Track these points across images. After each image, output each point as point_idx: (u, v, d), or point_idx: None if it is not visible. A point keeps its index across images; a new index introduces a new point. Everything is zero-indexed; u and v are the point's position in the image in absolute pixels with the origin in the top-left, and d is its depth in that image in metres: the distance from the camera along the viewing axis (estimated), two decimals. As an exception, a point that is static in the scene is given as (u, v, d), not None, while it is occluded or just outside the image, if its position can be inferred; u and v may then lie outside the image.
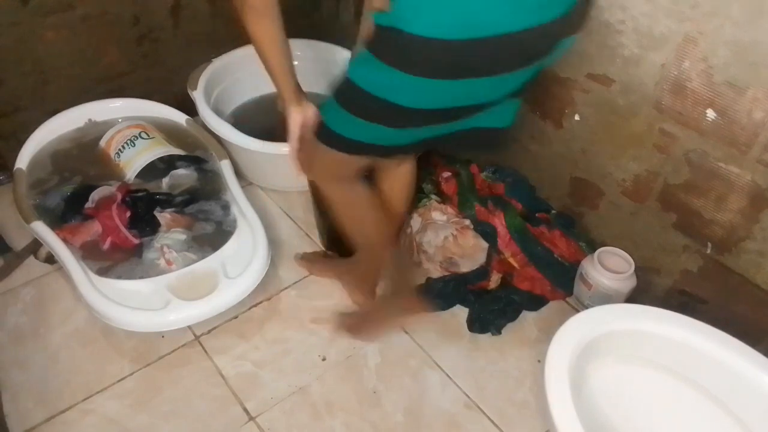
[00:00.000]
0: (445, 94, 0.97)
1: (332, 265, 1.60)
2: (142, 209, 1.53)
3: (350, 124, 1.06)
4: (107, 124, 1.73)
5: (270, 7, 1.06)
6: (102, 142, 1.69)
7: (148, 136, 1.67)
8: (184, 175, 1.66)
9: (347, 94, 1.04)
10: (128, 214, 1.51)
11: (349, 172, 1.22)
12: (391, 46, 0.92)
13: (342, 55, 1.93)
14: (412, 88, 0.95)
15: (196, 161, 1.69)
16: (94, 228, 1.48)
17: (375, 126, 1.04)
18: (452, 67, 0.92)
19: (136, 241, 1.48)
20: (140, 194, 1.57)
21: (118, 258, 1.46)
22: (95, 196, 1.55)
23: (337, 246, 1.66)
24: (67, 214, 1.52)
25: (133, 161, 1.63)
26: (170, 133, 1.75)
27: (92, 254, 1.45)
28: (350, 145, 1.10)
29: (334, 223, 1.62)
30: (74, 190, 1.58)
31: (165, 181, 1.65)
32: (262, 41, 1.11)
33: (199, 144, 1.73)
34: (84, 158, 1.68)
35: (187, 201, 1.59)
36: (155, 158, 1.63)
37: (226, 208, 1.59)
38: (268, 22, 1.08)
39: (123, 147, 1.64)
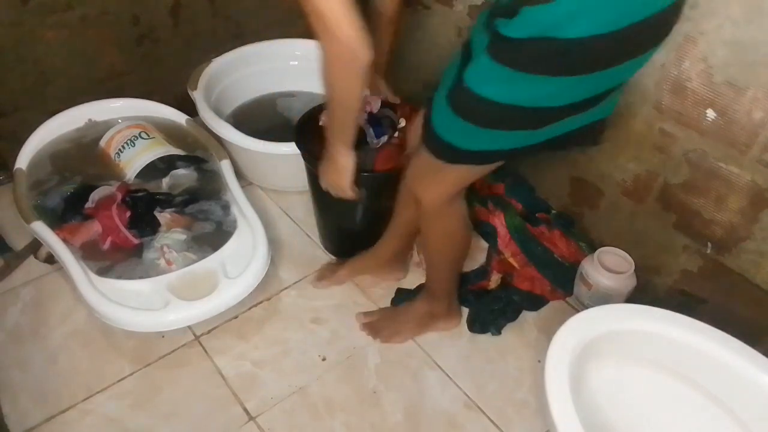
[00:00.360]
0: (599, 82, 0.99)
1: (357, 263, 1.57)
2: (142, 209, 1.52)
3: (490, 137, 1.05)
4: (107, 124, 1.73)
5: (370, 65, 1.03)
6: (102, 142, 1.69)
7: (148, 136, 1.67)
8: (184, 175, 1.66)
9: (490, 116, 1.01)
10: (128, 214, 1.50)
11: (467, 184, 1.23)
12: (545, 55, 0.92)
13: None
14: (568, 88, 0.97)
15: (196, 161, 1.69)
16: (94, 228, 1.48)
17: (519, 132, 1.04)
18: (609, 57, 0.94)
19: (136, 241, 1.48)
20: (140, 194, 1.57)
21: (118, 258, 1.46)
22: (95, 196, 1.54)
23: (341, 249, 1.65)
24: (67, 214, 1.52)
25: (133, 161, 1.63)
26: (170, 133, 1.75)
27: (92, 254, 1.45)
28: (487, 156, 1.11)
29: (337, 226, 1.62)
30: (74, 190, 1.57)
31: (165, 181, 1.65)
32: (350, 95, 1.07)
33: (199, 144, 1.73)
34: (84, 158, 1.68)
35: (187, 201, 1.59)
36: (155, 158, 1.63)
37: (226, 208, 1.58)
38: (364, 79, 1.04)
39: (123, 147, 1.64)
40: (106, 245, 1.47)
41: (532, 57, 0.93)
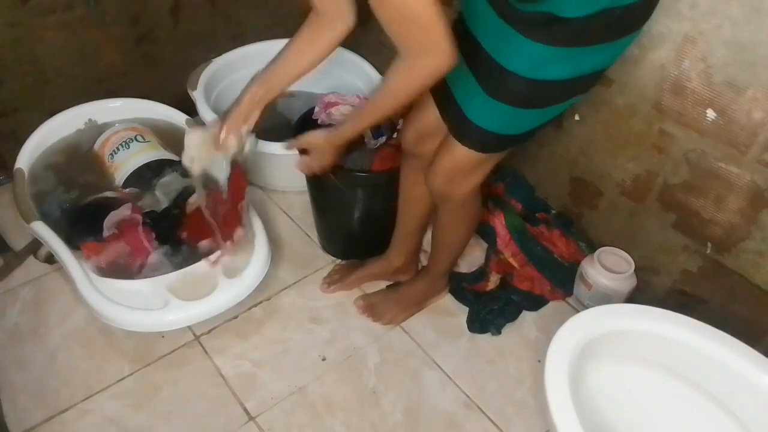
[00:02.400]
0: (617, 51, 1.06)
1: (369, 270, 1.56)
2: (163, 230, 1.48)
3: (541, 114, 1.09)
4: (107, 125, 1.72)
5: None
6: (97, 144, 1.67)
7: (144, 139, 1.65)
8: (170, 181, 1.61)
9: (552, 94, 1.05)
10: (153, 235, 1.46)
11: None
12: (609, 24, 0.97)
13: (340, 55, 1.92)
14: (622, 47, 1.04)
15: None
16: (121, 248, 1.43)
17: (572, 99, 1.09)
18: (648, 12, 1.03)
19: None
20: (157, 214, 1.51)
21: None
22: (110, 222, 1.47)
23: (340, 249, 1.64)
24: (76, 235, 1.44)
25: (125, 163, 1.59)
26: (169, 133, 1.74)
27: (116, 273, 1.39)
28: (532, 133, 1.14)
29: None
30: (75, 205, 1.53)
31: (159, 195, 1.58)
32: (408, 100, 1.05)
33: (199, 144, 1.73)
34: (79, 163, 1.66)
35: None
36: (147, 161, 1.59)
37: (225, 208, 1.58)
38: None
39: (118, 148, 1.62)
40: (135, 268, 1.42)
41: (598, 30, 0.97)
